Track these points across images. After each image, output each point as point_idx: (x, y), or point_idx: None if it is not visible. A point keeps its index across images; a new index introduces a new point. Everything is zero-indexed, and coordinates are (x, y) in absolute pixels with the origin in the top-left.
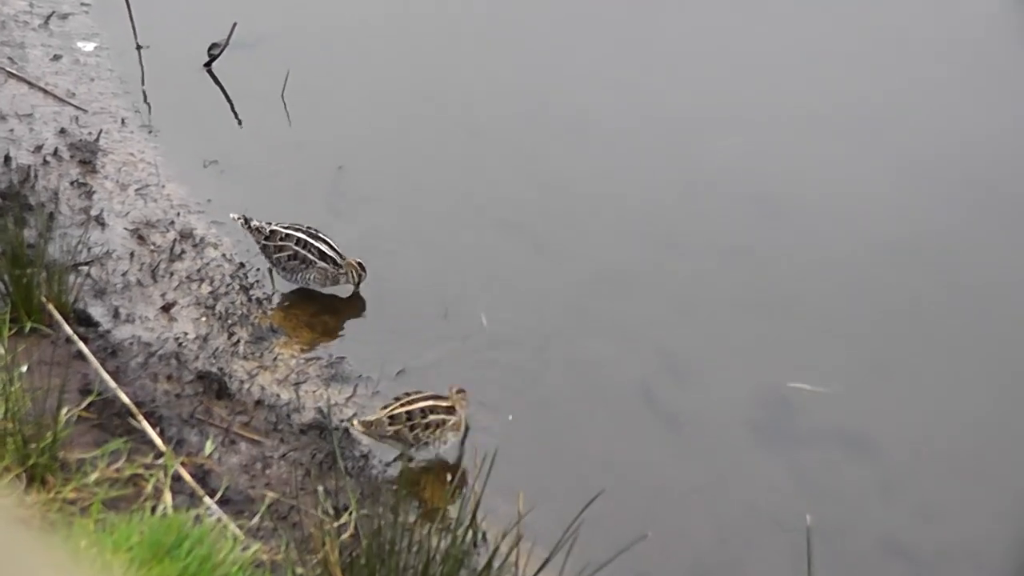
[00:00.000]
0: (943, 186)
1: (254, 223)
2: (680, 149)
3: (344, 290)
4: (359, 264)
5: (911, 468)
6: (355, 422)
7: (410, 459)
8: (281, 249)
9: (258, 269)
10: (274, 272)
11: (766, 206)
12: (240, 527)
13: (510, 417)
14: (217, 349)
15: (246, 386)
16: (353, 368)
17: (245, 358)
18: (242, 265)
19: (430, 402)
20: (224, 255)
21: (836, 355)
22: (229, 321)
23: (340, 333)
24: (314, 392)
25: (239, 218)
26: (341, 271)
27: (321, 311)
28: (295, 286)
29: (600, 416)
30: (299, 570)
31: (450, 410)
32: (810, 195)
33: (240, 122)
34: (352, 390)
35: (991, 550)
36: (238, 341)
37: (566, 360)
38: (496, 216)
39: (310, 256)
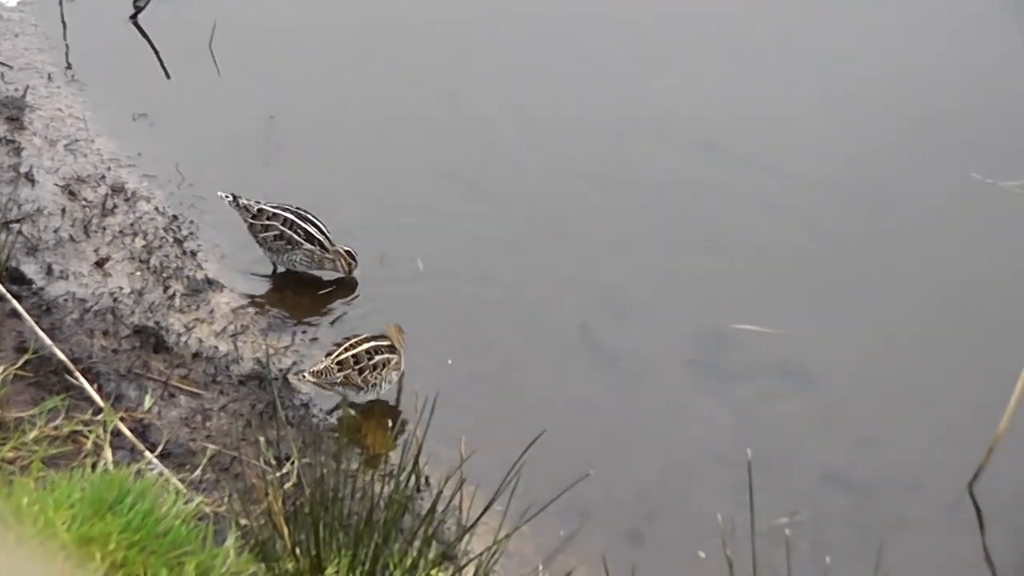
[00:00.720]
0: (876, 122)
1: (242, 201)
2: (616, 90)
3: (329, 276)
4: (348, 252)
5: (849, 400)
6: (305, 374)
7: (351, 405)
8: (268, 229)
9: (192, 221)
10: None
11: (703, 146)
12: (182, 480)
13: (449, 361)
14: (153, 303)
15: (183, 339)
16: (290, 317)
17: (181, 311)
18: (175, 218)
19: (372, 343)
20: (157, 208)
21: (773, 291)
22: (164, 274)
23: (276, 282)
24: (252, 342)
25: (227, 196)
26: (328, 256)
27: (257, 261)
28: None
29: (540, 357)
30: (243, 521)
31: (392, 348)
32: (745, 134)
33: (168, 75)
34: (290, 339)
35: (929, 477)
36: (174, 294)
37: (504, 302)
38: (431, 162)
39: (297, 237)
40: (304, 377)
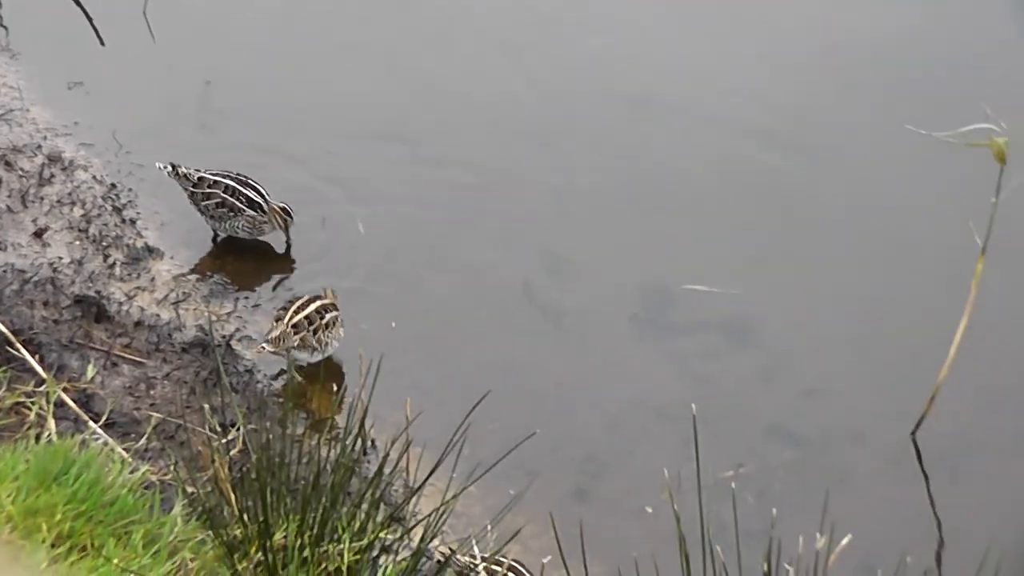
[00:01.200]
0: (812, 80)
1: (182, 170)
2: (551, 50)
3: (279, 241)
4: (283, 208)
5: (792, 352)
6: (263, 345)
7: (297, 369)
8: (209, 197)
9: (130, 189)
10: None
11: (639, 103)
12: (127, 449)
13: (393, 324)
14: (93, 272)
15: (125, 308)
16: (232, 283)
17: (122, 280)
18: (113, 186)
19: (317, 303)
20: (95, 177)
21: (713, 246)
22: (104, 243)
23: (217, 249)
24: (194, 310)
25: (166, 166)
26: (265, 218)
27: (196, 228)
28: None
29: (483, 318)
30: (189, 489)
31: (335, 306)
32: (683, 90)
33: (103, 42)
34: (232, 305)
35: (873, 427)
36: (114, 263)
37: (446, 264)
38: (369, 125)
39: (239, 204)
40: (263, 348)
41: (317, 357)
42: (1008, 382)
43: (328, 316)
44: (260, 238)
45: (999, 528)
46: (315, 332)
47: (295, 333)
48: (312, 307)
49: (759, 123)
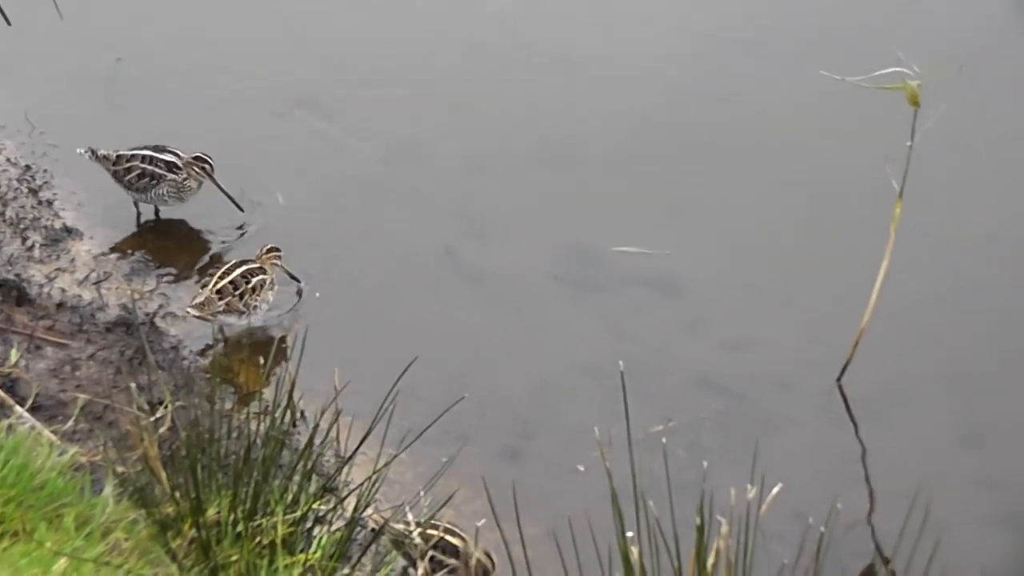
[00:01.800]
0: (725, 28)
1: (100, 152)
2: (458, 10)
3: (195, 216)
4: (197, 157)
5: (716, 304)
6: (187, 309)
7: (224, 339)
8: (129, 171)
9: (46, 170)
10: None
11: (551, 63)
12: (55, 432)
13: (317, 294)
14: (12, 255)
15: (46, 290)
16: (153, 260)
17: (42, 261)
18: (28, 168)
19: (244, 267)
20: (8, 159)
21: (633, 203)
22: (21, 226)
23: (137, 227)
24: (116, 289)
25: (85, 151)
26: (185, 175)
27: (114, 206)
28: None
29: (407, 284)
30: (119, 469)
31: (262, 269)
32: (594, 48)
33: (8, 21)
34: (155, 282)
35: (799, 375)
36: (33, 245)
37: (367, 231)
38: (283, 95)
39: (158, 171)
40: (187, 312)
41: (245, 321)
42: (931, 325)
43: (255, 280)
44: (186, 202)
45: (927, 470)
46: (241, 296)
47: (220, 298)
48: (237, 271)
49: (674, 78)
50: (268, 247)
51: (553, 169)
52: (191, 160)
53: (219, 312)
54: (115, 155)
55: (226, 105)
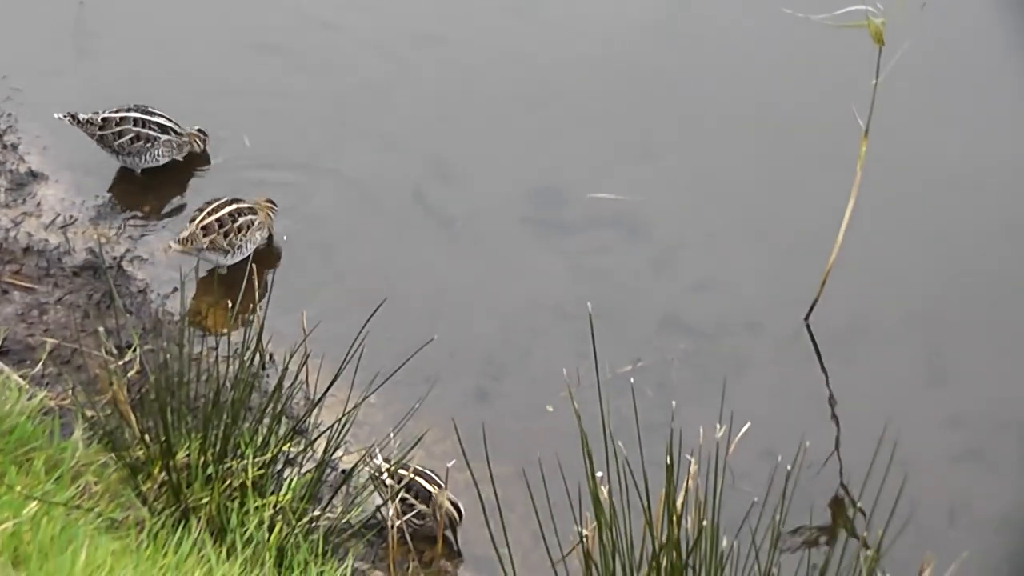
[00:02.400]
0: None
1: (82, 116)
2: None
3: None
4: (200, 130)
5: (683, 244)
6: (170, 243)
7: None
8: (121, 135)
9: (10, 114)
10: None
11: (517, 3)
12: (23, 376)
13: (284, 237)
14: None
15: (12, 234)
16: (120, 204)
17: (7, 206)
18: None
19: (234, 205)
20: None
21: (598, 143)
22: None
23: (103, 171)
24: (83, 233)
25: (64, 116)
26: (184, 140)
27: (79, 149)
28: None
29: (375, 226)
30: (89, 412)
31: (252, 210)
32: None
33: None
34: (121, 226)
35: (766, 314)
36: None
37: (334, 174)
38: (248, 37)
39: (152, 133)
40: (170, 247)
41: (232, 259)
42: (897, 263)
43: (242, 220)
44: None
45: (894, 408)
46: (226, 235)
47: (204, 235)
48: (226, 209)
49: (638, 19)
50: (268, 197)
51: (519, 112)
52: (195, 132)
53: (203, 248)
54: (100, 119)
55: (190, 49)
